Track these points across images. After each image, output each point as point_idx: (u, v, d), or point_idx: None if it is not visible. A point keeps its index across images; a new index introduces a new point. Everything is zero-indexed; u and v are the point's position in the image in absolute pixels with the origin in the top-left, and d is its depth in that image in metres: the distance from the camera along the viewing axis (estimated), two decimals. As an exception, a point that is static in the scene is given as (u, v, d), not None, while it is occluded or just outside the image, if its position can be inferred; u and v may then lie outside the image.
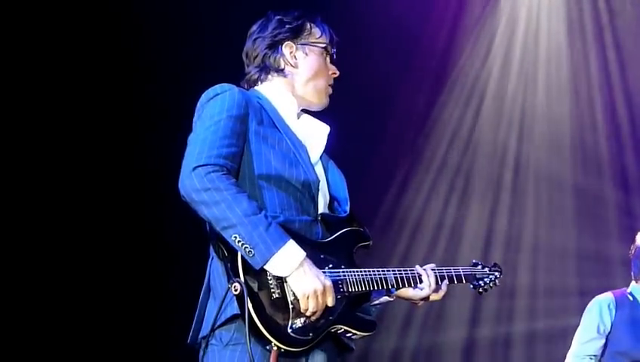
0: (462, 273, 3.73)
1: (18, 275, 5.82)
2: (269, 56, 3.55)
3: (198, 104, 3.39)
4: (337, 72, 3.63)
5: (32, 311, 5.88)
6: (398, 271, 3.53)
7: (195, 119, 3.38)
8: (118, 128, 6.14)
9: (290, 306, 3.22)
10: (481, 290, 3.82)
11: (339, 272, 3.35)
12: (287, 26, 3.57)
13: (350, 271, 3.38)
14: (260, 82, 3.56)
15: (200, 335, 3.33)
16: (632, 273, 5.53)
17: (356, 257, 3.46)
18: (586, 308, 5.54)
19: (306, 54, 3.57)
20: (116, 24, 6.13)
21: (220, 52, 5.42)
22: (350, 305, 3.37)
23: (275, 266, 3.18)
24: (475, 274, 3.81)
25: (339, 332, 3.36)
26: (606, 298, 5.52)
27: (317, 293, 3.20)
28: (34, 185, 5.92)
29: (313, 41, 3.59)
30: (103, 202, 6.09)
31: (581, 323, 5.53)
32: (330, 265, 3.34)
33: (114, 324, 6.07)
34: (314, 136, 3.55)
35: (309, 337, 3.25)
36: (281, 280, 3.21)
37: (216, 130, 3.27)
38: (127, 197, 6.11)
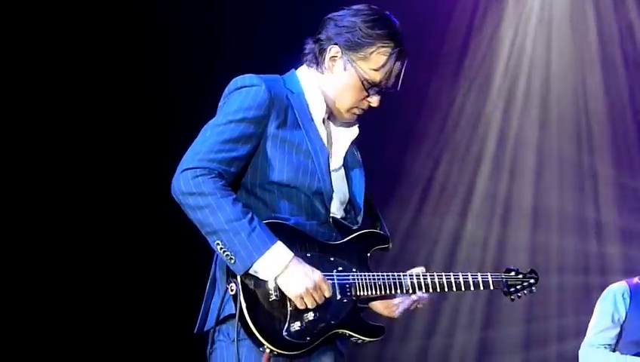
0: (490, 279, 3.62)
1: (24, 273, 5.85)
2: (320, 45, 3.47)
3: (226, 90, 3.38)
4: (375, 104, 3.46)
5: (40, 309, 5.90)
6: (416, 276, 3.49)
7: (220, 104, 3.38)
8: (124, 124, 6.14)
9: (289, 308, 3.23)
10: (513, 297, 3.72)
11: (348, 276, 3.35)
12: (352, 35, 3.40)
13: (361, 275, 3.38)
14: (306, 63, 3.49)
15: (205, 327, 3.36)
16: None
17: (371, 260, 3.46)
18: (600, 298, 5.51)
19: (345, 69, 3.43)
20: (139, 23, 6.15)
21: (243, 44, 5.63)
22: (358, 310, 3.37)
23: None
24: (507, 281, 3.69)
25: (344, 336, 3.36)
26: (620, 287, 5.48)
27: (309, 291, 3.21)
28: (43, 184, 5.93)
29: (362, 65, 3.41)
30: (112, 197, 6.10)
31: (595, 313, 5.49)
32: (340, 268, 3.35)
33: (124, 318, 6.10)
34: (339, 139, 3.52)
35: (306, 341, 3.25)
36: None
37: (223, 131, 3.26)
38: (135, 192, 6.11)
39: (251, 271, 3.17)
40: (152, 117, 6.05)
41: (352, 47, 3.39)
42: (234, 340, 3.24)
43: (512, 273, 3.71)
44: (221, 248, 3.17)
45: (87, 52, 5.98)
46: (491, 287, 3.61)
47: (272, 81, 3.38)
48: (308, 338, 3.25)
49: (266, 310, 3.21)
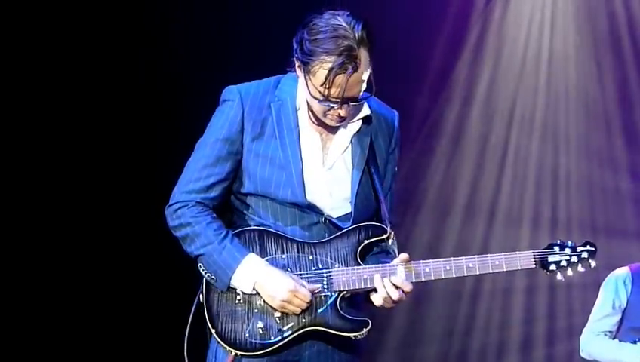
0: (518, 257, 3.41)
1: (24, 273, 5.84)
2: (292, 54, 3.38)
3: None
4: (343, 114, 3.32)
5: (39, 309, 5.90)
6: (414, 263, 3.41)
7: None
8: (125, 124, 6.06)
9: (254, 309, 3.35)
10: (558, 276, 3.46)
11: (322, 273, 3.37)
12: (301, 51, 3.30)
13: (343, 270, 3.37)
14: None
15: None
16: None
17: (368, 253, 3.44)
18: (603, 283, 5.46)
19: (304, 81, 3.34)
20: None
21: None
22: (336, 305, 3.37)
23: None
24: (546, 258, 3.44)
25: (321, 333, 3.37)
26: (622, 273, 5.42)
27: (284, 301, 3.31)
28: (42, 184, 5.90)
29: (312, 80, 3.30)
30: (112, 197, 6.06)
31: (598, 299, 5.46)
32: (320, 265, 3.38)
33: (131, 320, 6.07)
34: (337, 137, 3.46)
35: (271, 341, 3.33)
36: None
37: (200, 158, 3.42)
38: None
39: (232, 286, 3.35)
40: (154, 117, 6.02)
41: (303, 62, 3.31)
42: (211, 349, 3.42)
43: (556, 247, 3.47)
44: (204, 270, 3.39)
45: (87, 52, 5.96)
46: (519, 267, 3.41)
47: (252, 92, 3.43)
48: (272, 338, 3.34)
49: (230, 314, 3.35)
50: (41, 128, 5.87)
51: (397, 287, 3.36)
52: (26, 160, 5.84)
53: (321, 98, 3.29)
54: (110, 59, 6.01)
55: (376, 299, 3.38)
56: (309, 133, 3.44)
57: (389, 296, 3.36)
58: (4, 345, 5.75)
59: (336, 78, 3.24)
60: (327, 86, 3.26)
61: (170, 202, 3.44)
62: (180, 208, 3.41)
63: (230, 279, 3.33)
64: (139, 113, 6.04)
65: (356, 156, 3.46)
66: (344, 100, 3.28)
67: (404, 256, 3.40)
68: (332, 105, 3.30)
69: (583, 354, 5.39)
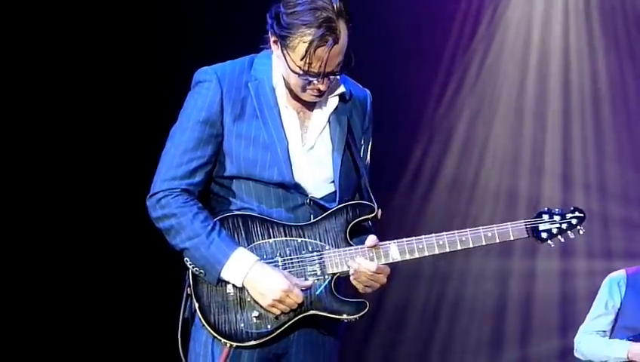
0: (510, 228, 3.37)
1: (23, 273, 5.83)
2: (267, 31, 3.29)
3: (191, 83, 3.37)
4: (323, 88, 3.26)
5: (39, 309, 5.88)
6: (407, 241, 3.36)
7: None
8: (122, 123, 6.03)
9: (247, 298, 3.25)
10: (550, 242, 3.41)
11: (314, 256, 3.30)
12: (278, 24, 3.21)
13: (334, 252, 3.31)
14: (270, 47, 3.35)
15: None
16: None
17: (356, 232, 3.36)
18: (601, 285, 5.59)
19: (281, 57, 3.26)
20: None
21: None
22: (331, 288, 3.31)
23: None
24: (537, 226, 3.40)
25: (318, 317, 3.30)
26: (617, 275, 5.56)
27: (275, 301, 3.22)
28: (42, 183, 5.89)
29: (291, 55, 3.21)
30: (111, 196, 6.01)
31: (595, 300, 5.59)
32: (310, 248, 3.31)
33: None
34: (315, 116, 3.39)
35: (267, 329, 3.25)
36: None
37: (179, 143, 3.29)
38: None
39: (223, 280, 3.25)
40: (149, 113, 5.87)
41: (280, 36, 3.21)
42: (203, 341, 3.30)
43: (545, 215, 3.44)
44: (190, 264, 3.27)
45: (82, 51, 5.93)
46: (511, 237, 3.37)
47: (228, 71, 3.33)
48: (269, 327, 3.25)
49: (222, 304, 3.26)
50: (37, 127, 5.87)
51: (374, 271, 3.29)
52: (16, 158, 5.83)
53: (301, 72, 3.20)
54: (103, 56, 6.00)
55: (356, 284, 3.32)
56: (288, 113, 3.35)
57: (365, 280, 3.30)
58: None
59: (317, 50, 3.16)
60: (307, 60, 3.17)
61: (152, 191, 3.29)
62: (163, 197, 3.26)
63: (219, 274, 3.22)
64: (136, 111, 6.02)
65: (335, 135, 3.39)
66: (324, 74, 3.21)
67: (371, 238, 3.33)
68: (312, 79, 3.22)
69: (576, 354, 5.52)
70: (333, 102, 3.39)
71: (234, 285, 3.24)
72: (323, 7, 3.16)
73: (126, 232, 5.92)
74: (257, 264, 3.23)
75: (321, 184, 3.37)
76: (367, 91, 3.53)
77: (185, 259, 3.27)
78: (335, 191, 3.37)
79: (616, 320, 5.48)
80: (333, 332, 3.39)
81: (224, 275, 3.22)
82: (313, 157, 3.37)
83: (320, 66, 3.18)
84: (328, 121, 3.39)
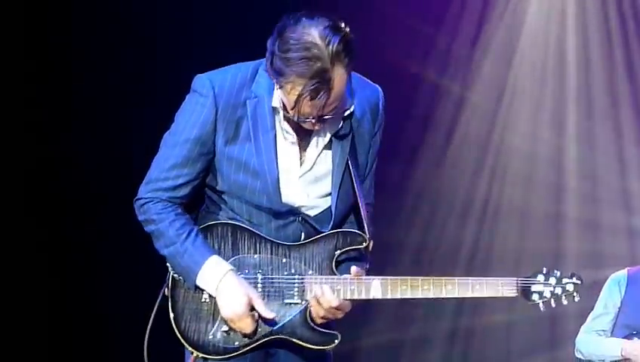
0: (500, 284, 3.24)
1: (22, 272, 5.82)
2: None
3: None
4: (317, 128, 3.14)
5: (39, 308, 5.91)
6: (391, 279, 3.23)
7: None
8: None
9: (220, 313, 3.19)
10: (539, 305, 3.27)
11: (294, 279, 3.23)
12: (271, 62, 3.05)
13: (314, 279, 3.22)
14: None
15: None
16: None
17: (343, 261, 3.27)
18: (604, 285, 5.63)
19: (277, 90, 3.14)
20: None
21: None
22: (305, 315, 3.22)
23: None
24: (529, 286, 3.25)
25: (288, 342, 3.24)
26: (618, 275, 5.60)
27: (234, 319, 3.16)
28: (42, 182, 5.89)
29: (283, 93, 3.08)
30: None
31: (598, 300, 5.61)
32: (293, 270, 3.24)
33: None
34: (315, 138, 3.25)
35: (234, 346, 3.21)
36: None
37: (169, 156, 3.24)
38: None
39: (200, 288, 3.22)
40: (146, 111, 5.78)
41: (274, 75, 3.07)
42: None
43: (541, 276, 3.28)
44: (172, 270, 3.26)
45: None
46: (500, 294, 3.23)
47: (227, 87, 3.19)
48: (236, 344, 3.21)
49: (195, 312, 3.22)
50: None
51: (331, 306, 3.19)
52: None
53: (291, 115, 3.10)
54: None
55: (313, 311, 3.23)
56: (286, 135, 3.23)
57: (321, 311, 3.20)
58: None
59: (309, 101, 3.03)
60: (298, 109, 3.05)
61: (137, 196, 3.29)
62: (144, 203, 3.25)
63: (194, 282, 3.19)
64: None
65: (337, 154, 3.27)
66: (318, 118, 3.09)
67: (354, 269, 3.22)
68: (306, 120, 3.11)
69: (576, 354, 5.57)
70: (337, 122, 3.23)
71: (210, 294, 3.20)
72: (317, 57, 2.97)
73: (124, 232, 5.77)
74: (229, 274, 3.17)
75: (317, 201, 3.28)
76: (379, 89, 3.37)
77: (167, 264, 3.27)
78: (330, 208, 3.27)
79: (617, 318, 5.49)
80: (319, 357, 3.31)
81: (199, 283, 3.19)
82: (311, 177, 3.26)
83: (312, 113, 3.06)
84: (331, 139, 3.26)
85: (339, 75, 3.01)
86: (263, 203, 3.22)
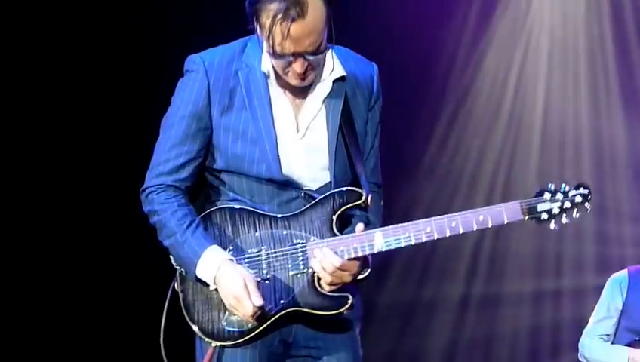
0: (504, 210, 3.10)
1: (22, 272, 5.82)
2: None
3: None
4: (298, 70, 3.09)
5: (39, 308, 5.88)
6: (392, 229, 3.15)
7: None
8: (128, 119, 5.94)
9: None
10: (553, 224, 3.11)
11: (297, 248, 3.18)
12: (247, 2, 3.08)
13: (316, 244, 3.17)
14: None
15: None
16: None
17: (342, 221, 3.21)
18: (604, 287, 5.50)
19: (257, 36, 3.15)
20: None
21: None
22: (313, 282, 3.17)
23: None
24: (535, 206, 3.11)
25: (301, 314, 3.19)
26: (619, 276, 5.45)
27: (234, 302, 3.11)
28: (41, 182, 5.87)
29: (261, 34, 3.08)
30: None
31: (598, 301, 5.49)
32: (295, 240, 3.19)
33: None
34: (308, 102, 3.25)
35: (249, 327, 3.15)
36: None
37: (168, 137, 3.24)
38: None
39: (200, 279, 3.18)
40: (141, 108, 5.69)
41: (251, 13, 3.08)
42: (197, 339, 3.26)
43: (547, 194, 3.12)
44: (174, 262, 3.25)
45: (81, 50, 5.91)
46: (505, 220, 3.10)
47: (217, 60, 3.22)
48: (250, 325, 3.15)
49: (206, 302, 3.19)
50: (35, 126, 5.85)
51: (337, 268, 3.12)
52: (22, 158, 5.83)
53: (271, 51, 3.06)
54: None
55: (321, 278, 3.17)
56: (280, 100, 3.22)
57: (326, 276, 3.13)
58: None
59: (281, 25, 2.99)
60: (272, 37, 3.01)
61: (143, 187, 3.28)
62: (149, 193, 3.25)
63: (194, 273, 3.16)
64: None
65: (329, 120, 3.24)
66: (295, 54, 3.05)
67: (359, 226, 3.16)
68: (283, 59, 3.07)
69: (580, 358, 5.43)
70: (327, 86, 3.24)
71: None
72: None
73: (123, 231, 5.89)
74: (225, 264, 3.13)
75: (317, 174, 3.24)
76: (374, 65, 3.38)
77: (170, 256, 3.25)
78: (330, 181, 3.24)
79: (619, 321, 5.36)
80: (340, 322, 3.24)
81: (199, 274, 3.16)
82: (307, 146, 3.23)
83: (286, 44, 3.02)
84: (323, 105, 3.24)
85: (314, 4, 3.02)
86: (262, 172, 3.18)
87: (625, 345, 5.23)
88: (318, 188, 3.23)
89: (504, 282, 7.30)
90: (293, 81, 3.15)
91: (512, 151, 7.32)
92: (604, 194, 7.09)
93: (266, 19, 3.01)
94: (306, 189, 3.22)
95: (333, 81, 3.24)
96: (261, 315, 3.11)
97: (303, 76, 3.12)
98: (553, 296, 7.28)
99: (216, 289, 3.15)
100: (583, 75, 7.24)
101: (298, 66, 3.08)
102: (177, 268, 3.23)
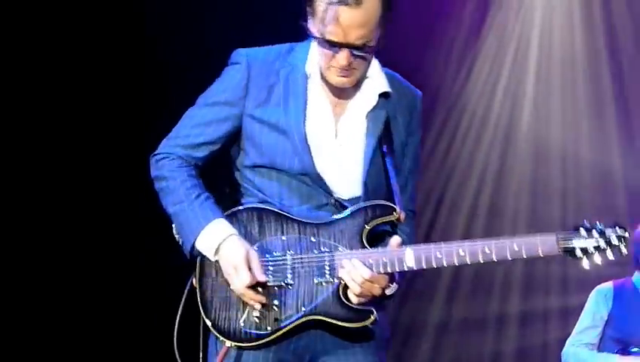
0: (538, 242, 3.04)
1: (21, 271, 5.80)
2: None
3: None
4: (342, 61, 3.08)
5: (38, 308, 5.86)
6: (424, 249, 3.10)
7: None
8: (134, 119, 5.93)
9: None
10: (587, 263, 3.05)
11: (324, 257, 3.12)
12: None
13: (344, 255, 3.10)
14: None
15: None
16: (635, 261, 5.50)
17: (379, 238, 3.17)
18: (588, 297, 5.58)
19: (308, 22, 3.16)
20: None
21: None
22: (338, 293, 3.11)
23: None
24: (570, 241, 3.04)
25: (322, 322, 3.12)
26: (604, 288, 5.57)
27: (232, 271, 3.05)
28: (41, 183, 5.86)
29: (315, 20, 3.11)
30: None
31: (582, 312, 5.59)
32: (323, 248, 3.13)
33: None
34: (351, 112, 3.24)
35: (267, 331, 3.09)
36: None
37: (194, 115, 3.27)
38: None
39: (196, 252, 3.14)
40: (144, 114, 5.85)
41: (308, 3, 3.12)
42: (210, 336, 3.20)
43: (583, 230, 3.06)
44: (175, 231, 3.21)
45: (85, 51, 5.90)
46: (540, 253, 3.04)
47: (261, 57, 3.25)
48: (268, 329, 3.09)
49: (224, 299, 3.13)
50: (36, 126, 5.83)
51: (368, 280, 3.06)
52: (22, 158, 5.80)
53: (320, 36, 3.07)
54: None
55: (350, 290, 3.10)
56: (319, 102, 3.22)
57: (356, 287, 3.07)
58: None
59: (336, 10, 3.02)
60: (323, 20, 3.04)
61: (155, 152, 3.29)
62: (161, 159, 3.25)
63: (193, 244, 3.12)
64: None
65: (369, 133, 3.21)
66: (344, 44, 3.05)
67: (394, 239, 3.11)
68: (330, 49, 3.07)
69: None
70: (372, 99, 3.24)
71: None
72: None
73: (123, 231, 5.92)
74: (232, 237, 3.09)
75: (349, 183, 3.20)
76: (419, 92, 3.37)
77: (172, 224, 3.21)
78: (361, 195, 3.20)
79: (604, 331, 5.48)
80: (367, 335, 3.17)
81: (199, 245, 3.12)
82: (344, 154, 3.21)
83: (337, 31, 3.04)
84: (366, 118, 3.23)
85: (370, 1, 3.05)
86: (295, 166, 3.15)
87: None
88: (350, 199, 3.19)
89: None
90: (335, 79, 3.15)
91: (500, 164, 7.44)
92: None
93: (320, 4, 3.05)
94: (337, 197, 3.19)
95: (379, 96, 3.25)
96: (257, 293, 3.06)
97: (344, 72, 3.12)
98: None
99: (217, 261, 3.11)
100: (577, 86, 7.37)
101: (342, 58, 3.08)
102: (176, 236, 3.19)
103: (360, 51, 3.08)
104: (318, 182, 3.16)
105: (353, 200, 3.18)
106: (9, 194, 5.77)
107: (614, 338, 5.43)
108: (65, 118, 5.90)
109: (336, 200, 3.18)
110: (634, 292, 5.49)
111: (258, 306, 3.07)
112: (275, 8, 5.45)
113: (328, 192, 3.18)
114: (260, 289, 3.07)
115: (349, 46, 3.06)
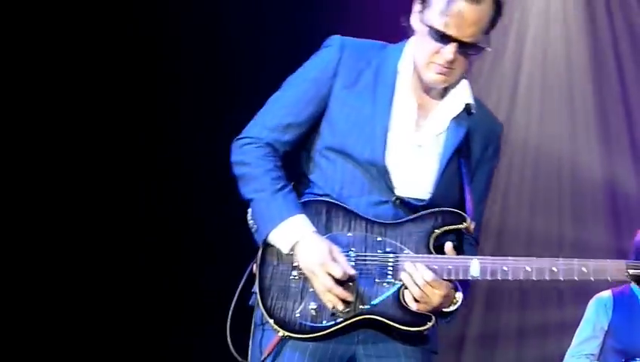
0: (609, 265, 3.10)
1: (22, 271, 5.81)
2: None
3: None
4: (448, 55, 3.08)
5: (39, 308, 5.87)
6: (491, 260, 3.10)
7: None
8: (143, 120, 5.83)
9: (308, 288, 3.09)
10: None
11: (388, 258, 3.10)
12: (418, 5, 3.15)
13: (409, 257, 3.09)
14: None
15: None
16: None
17: (439, 242, 3.14)
18: (587, 306, 5.51)
19: (419, 22, 3.15)
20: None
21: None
22: (399, 294, 3.08)
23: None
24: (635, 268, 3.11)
25: (378, 323, 3.10)
26: (604, 297, 5.50)
27: (318, 269, 3.03)
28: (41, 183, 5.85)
29: (428, 13, 3.10)
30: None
31: (581, 322, 5.52)
32: (388, 249, 3.12)
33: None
34: (437, 115, 3.22)
35: (322, 325, 3.07)
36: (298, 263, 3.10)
37: (281, 96, 3.24)
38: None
39: (269, 241, 3.12)
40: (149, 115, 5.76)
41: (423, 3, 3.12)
42: (258, 324, 3.17)
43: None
44: (250, 217, 3.17)
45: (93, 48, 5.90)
46: (608, 277, 3.09)
47: (354, 44, 3.24)
48: (324, 322, 3.08)
49: (283, 289, 3.11)
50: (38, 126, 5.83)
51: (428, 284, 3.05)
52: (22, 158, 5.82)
53: (436, 28, 3.05)
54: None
55: (407, 298, 3.09)
56: (405, 99, 3.20)
57: (416, 290, 3.06)
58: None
59: (454, 3, 3.04)
60: (440, 12, 3.04)
61: (240, 135, 3.24)
62: (247, 144, 3.21)
63: (268, 233, 3.10)
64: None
65: (449, 142, 3.20)
66: (457, 40, 3.05)
67: (449, 245, 3.11)
68: (440, 40, 3.06)
69: None
70: (457, 107, 3.23)
71: (300, 271, 3.08)
72: None
73: (123, 232, 5.90)
74: (313, 235, 3.08)
75: (415, 185, 3.18)
76: (502, 125, 3.39)
77: (248, 209, 3.18)
78: (428, 198, 3.17)
79: (604, 342, 5.42)
80: (415, 341, 3.16)
81: (272, 237, 3.10)
82: (420, 154, 3.19)
83: (455, 23, 3.04)
84: (448, 125, 3.23)
85: (488, 1, 3.08)
86: (365, 154, 3.13)
87: None
88: (411, 200, 3.17)
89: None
90: (433, 76, 3.14)
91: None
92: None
93: None
94: (398, 196, 3.16)
95: (465, 105, 3.24)
96: (344, 289, 3.04)
97: (445, 69, 3.11)
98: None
99: (304, 277, 3.07)
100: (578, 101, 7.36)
101: (449, 51, 3.08)
102: (250, 224, 3.16)
103: (468, 49, 3.08)
104: (383, 176, 3.14)
105: (415, 202, 3.16)
106: (9, 194, 5.76)
107: (616, 349, 5.36)
108: (65, 118, 5.89)
109: (397, 198, 3.16)
110: (633, 301, 5.44)
111: (340, 306, 3.04)
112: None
113: (390, 188, 3.15)
114: (349, 283, 3.05)
115: (460, 41, 3.06)
